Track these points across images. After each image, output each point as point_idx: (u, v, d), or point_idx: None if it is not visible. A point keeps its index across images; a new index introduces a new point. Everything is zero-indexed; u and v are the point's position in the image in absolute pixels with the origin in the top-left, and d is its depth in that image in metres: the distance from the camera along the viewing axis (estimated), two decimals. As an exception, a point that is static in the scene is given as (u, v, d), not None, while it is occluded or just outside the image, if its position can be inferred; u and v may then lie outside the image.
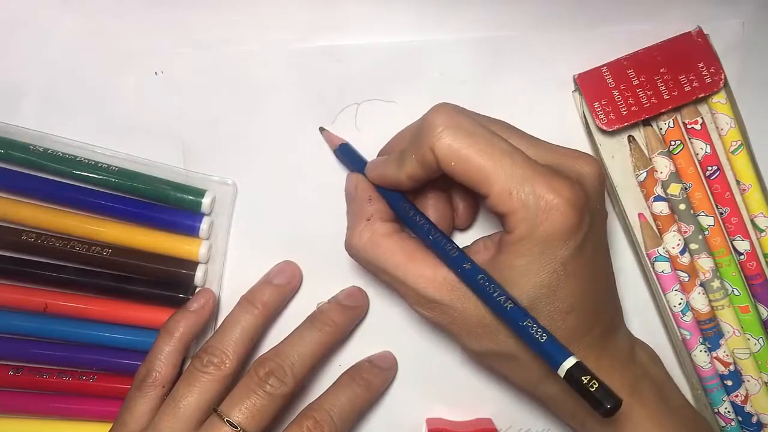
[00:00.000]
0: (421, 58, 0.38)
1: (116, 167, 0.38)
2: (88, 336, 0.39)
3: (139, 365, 0.36)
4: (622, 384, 0.33)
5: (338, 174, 0.39)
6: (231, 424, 0.33)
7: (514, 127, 0.33)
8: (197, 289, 0.39)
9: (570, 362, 0.28)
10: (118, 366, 0.39)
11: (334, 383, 0.37)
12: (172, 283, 0.39)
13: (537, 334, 0.29)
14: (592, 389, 0.28)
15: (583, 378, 0.28)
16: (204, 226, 0.39)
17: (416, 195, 0.36)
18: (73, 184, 0.38)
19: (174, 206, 0.39)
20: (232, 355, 0.35)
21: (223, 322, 0.37)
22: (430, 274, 0.33)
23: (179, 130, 0.39)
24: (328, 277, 0.39)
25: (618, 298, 0.36)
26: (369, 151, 0.38)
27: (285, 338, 0.36)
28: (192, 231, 0.39)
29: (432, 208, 0.36)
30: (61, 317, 0.39)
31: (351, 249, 0.34)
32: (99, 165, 0.38)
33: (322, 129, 0.38)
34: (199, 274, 0.39)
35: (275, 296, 0.38)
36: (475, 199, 0.38)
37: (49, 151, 0.38)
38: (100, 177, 0.38)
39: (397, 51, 0.38)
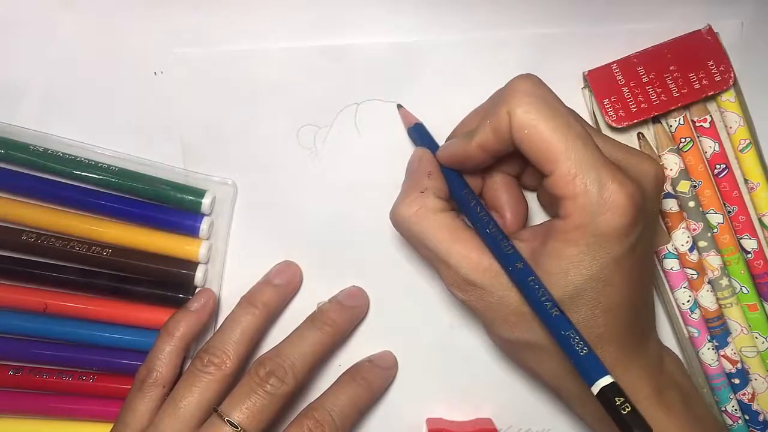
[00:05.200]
0: (421, 58, 0.38)
1: (116, 167, 0.38)
2: (88, 336, 0.39)
3: (140, 365, 0.36)
4: (650, 391, 0.32)
5: (338, 174, 0.39)
6: (231, 424, 0.33)
7: (583, 118, 0.33)
8: (197, 289, 0.39)
9: (606, 381, 0.28)
10: (118, 366, 0.39)
11: (334, 383, 0.37)
12: (172, 283, 0.39)
13: (578, 347, 0.29)
14: (624, 412, 0.27)
15: (616, 399, 0.27)
16: (204, 226, 0.39)
17: (485, 181, 0.35)
18: (73, 184, 0.38)
19: (174, 206, 0.39)
20: (232, 355, 0.35)
21: (223, 322, 0.37)
22: (474, 257, 0.32)
23: (179, 130, 0.39)
24: (328, 277, 0.39)
25: (653, 303, 0.35)
26: (369, 151, 0.38)
27: (285, 338, 0.36)
28: (192, 231, 0.39)
29: (504, 189, 0.35)
30: (61, 317, 0.39)
31: (396, 217, 0.34)
32: (99, 165, 0.38)
33: (399, 106, 0.38)
34: (199, 274, 0.39)
35: (275, 297, 0.38)
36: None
37: (49, 151, 0.38)
38: (100, 177, 0.38)
39: (397, 51, 0.38)
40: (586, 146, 0.30)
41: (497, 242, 0.32)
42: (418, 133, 0.37)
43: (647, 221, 0.31)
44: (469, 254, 0.32)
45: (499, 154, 0.33)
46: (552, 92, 0.31)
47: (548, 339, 0.32)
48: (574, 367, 0.29)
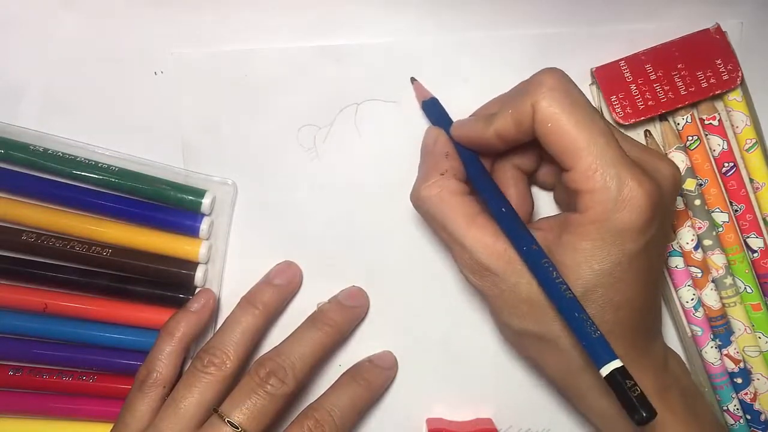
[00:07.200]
0: (421, 58, 0.38)
1: (116, 167, 0.38)
2: (88, 336, 0.39)
3: (140, 365, 0.36)
4: (653, 389, 0.32)
5: (338, 174, 0.39)
6: (232, 424, 0.33)
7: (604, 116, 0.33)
8: (197, 290, 0.39)
9: (616, 364, 0.28)
10: (118, 366, 0.39)
11: (334, 383, 0.37)
12: (172, 283, 0.39)
13: (590, 329, 0.29)
14: (635, 394, 0.28)
15: (627, 382, 0.28)
16: (204, 226, 0.39)
17: (494, 169, 0.36)
18: (73, 184, 0.38)
19: (174, 206, 0.39)
20: (232, 355, 0.35)
21: (223, 322, 0.37)
22: (489, 242, 0.32)
23: (179, 130, 0.39)
24: (328, 277, 0.39)
25: (661, 305, 0.35)
26: (369, 151, 0.38)
27: (285, 338, 0.36)
28: (192, 231, 0.39)
29: (512, 184, 0.35)
30: (61, 317, 0.39)
31: (418, 199, 0.34)
32: (99, 165, 0.38)
33: (413, 79, 0.38)
34: (199, 275, 0.39)
35: (275, 297, 0.38)
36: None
37: (49, 151, 0.38)
38: (100, 177, 0.38)
39: (397, 51, 0.38)
40: (608, 143, 0.30)
41: (511, 222, 0.32)
42: (432, 108, 0.37)
43: (662, 221, 0.31)
44: (484, 238, 0.32)
45: (515, 144, 0.33)
46: (576, 87, 0.31)
47: (557, 332, 0.32)
48: (585, 349, 0.29)
